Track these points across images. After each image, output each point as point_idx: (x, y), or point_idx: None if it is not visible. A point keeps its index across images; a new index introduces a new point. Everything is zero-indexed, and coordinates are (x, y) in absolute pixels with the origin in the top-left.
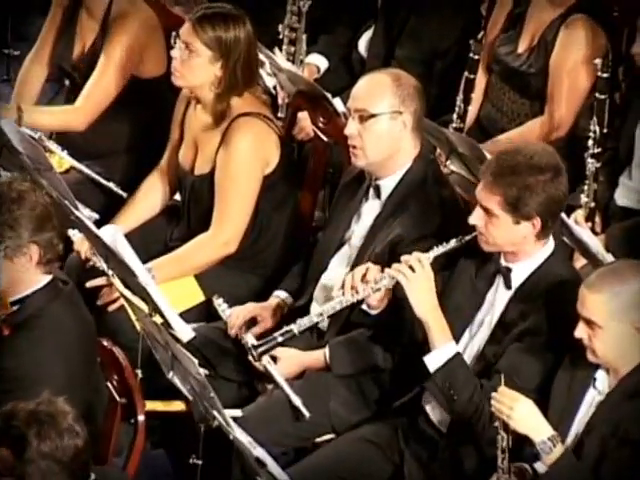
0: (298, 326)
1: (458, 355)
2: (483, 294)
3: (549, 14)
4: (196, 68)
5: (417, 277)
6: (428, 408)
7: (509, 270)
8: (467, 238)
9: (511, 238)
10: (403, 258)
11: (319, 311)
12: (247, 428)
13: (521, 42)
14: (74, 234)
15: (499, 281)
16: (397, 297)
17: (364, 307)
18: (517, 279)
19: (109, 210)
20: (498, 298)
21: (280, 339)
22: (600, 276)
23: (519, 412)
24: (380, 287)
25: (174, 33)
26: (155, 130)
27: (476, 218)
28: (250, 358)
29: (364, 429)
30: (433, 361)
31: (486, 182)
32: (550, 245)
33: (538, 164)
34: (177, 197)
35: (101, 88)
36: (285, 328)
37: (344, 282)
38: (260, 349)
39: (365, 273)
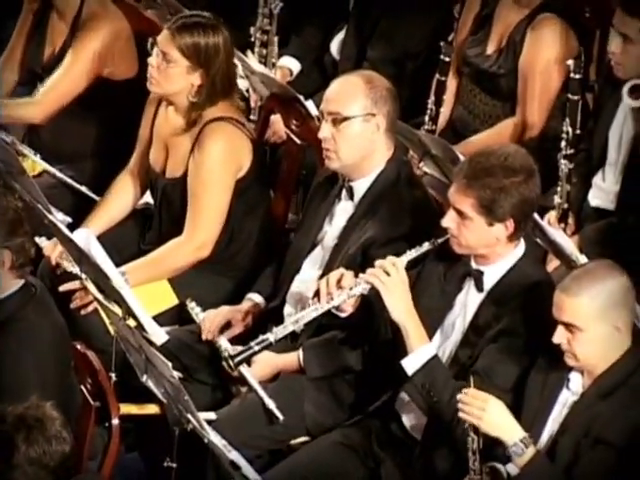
0: (275, 334)
1: (436, 357)
2: (452, 297)
3: (516, 15)
4: (173, 77)
5: (393, 281)
6: (401, 414)
7: (481, 273)
8: (440, 241)
9: (484, 240)
10: (377, 263)
11: (295, 318)
12: (221, 431)
13: (490, 43)
14: (41, 241)
15: (470, 284)
16: (366, 299)
17: (333, 310)
18: (489, 282)
19: (81, 213)
20: (469, 301)
21: (257, 348)
22: (576, 279)
23: (490, 414)
24: (356, 293)
25: (151, 39)
26: (126, 133)
27: (449, 221)
28: (225, 366)
29: (338, 433)
30: (411, 364)
31: (459, 185)
32: (521, 247)
33: (512, 166)
34: (150, 200)
35: (63, 84)
36: (261, 337)
37: (319, 289)
38: (237, 359)
39: (340, 279)
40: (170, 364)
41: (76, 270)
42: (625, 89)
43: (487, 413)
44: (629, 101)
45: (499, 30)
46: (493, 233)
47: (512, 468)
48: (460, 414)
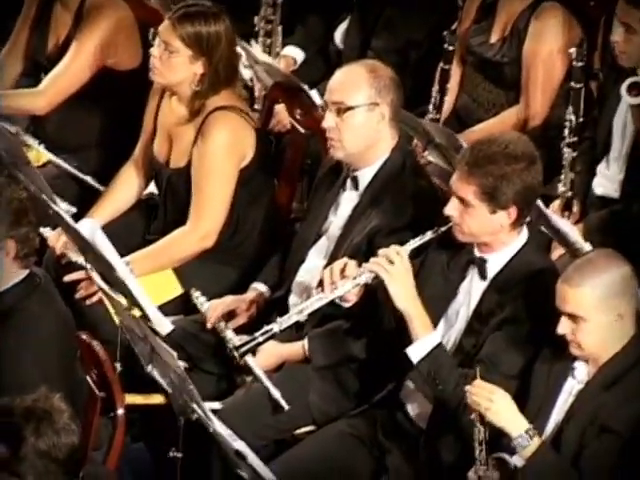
0: (279, 325)
1: (441, 345)
2: (456, 285)
3: (520, 3)
4: (176, 66)
5: (396, 270)
6: (406, 403)
7: (484, 261)
8: (443, 229)
9: (487, 228)
10: (381, 252)
11: (299, 308)
12: (226, 421)
13: (493, 32)
14: (46, 231)
15: (473, 272)
16: (370, 288)
17: (337, 300)
18: (492, 269)
19: (86, 203)
20: (473, 289)
21: (261, 339)
22: (578, 269)
23: (498, 405)
24: (359, 282)
25: (152, 30)
26: (131, 123)
27: (451, 209)
28: (230, 355)
29: (344, 422)
30: (416, 352)
31: (461, 172)
32: (524, 235)
33: (514, 153)
34: (155, 190)
35: (67, 75)
36: (266, 327)
37: (323, 278)
38: (242, 349)
39: (343, 268)
40: (175, 354)
41: (81, 260)
42: (623, 86)
43: (495, 403)
44: (627, 98)
45: (503, 19)
46: (496, 220)
47: (517, 459)
48: (468, 400)
